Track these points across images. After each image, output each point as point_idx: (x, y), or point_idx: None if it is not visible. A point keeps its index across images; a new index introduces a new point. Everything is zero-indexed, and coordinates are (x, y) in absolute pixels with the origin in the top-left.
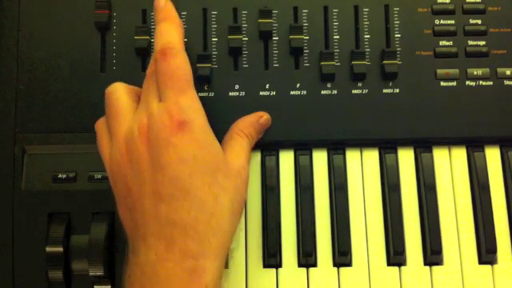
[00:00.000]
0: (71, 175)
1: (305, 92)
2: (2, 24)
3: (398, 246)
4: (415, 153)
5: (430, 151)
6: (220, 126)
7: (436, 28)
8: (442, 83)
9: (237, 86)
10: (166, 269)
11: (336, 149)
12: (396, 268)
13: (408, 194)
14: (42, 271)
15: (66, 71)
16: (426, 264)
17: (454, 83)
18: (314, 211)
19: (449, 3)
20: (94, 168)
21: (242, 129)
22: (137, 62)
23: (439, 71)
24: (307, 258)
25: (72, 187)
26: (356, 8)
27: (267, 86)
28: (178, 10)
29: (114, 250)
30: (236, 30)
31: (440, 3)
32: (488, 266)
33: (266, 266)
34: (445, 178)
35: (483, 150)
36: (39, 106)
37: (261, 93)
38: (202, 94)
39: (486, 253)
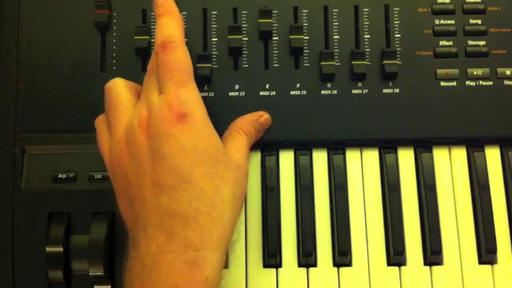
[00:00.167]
0: (71, 175)
1: (305, 92)
2: (2, 24)
3: (398, 246)
4: (415, 153)
5: (430, 151)
6: (220, 126)
7: (436, 28)
8: (442, 83)
9: (237, 86)
10: (167, 260)
11: (336, 149)
12: (396, 268)
13: (408, 194)
14: (42, 271)
15: (66, 71)
16: (425, 264)
17: (454, 83)
18: (313, 211)
19: (449, 3)
20: (94, 168)
21: (241, 127)
22: (137, 62)
23: (439, 71)
24: (307, 258)
25: (72, 187)
26: (356, 8)
27: (267, 86)
28: (178, 10)
29: (114, 250)
30: (236, 29)
31: (440, 3)
32: (488, 266)
33: (265, 266)
34: (445, 178)
35: (483, 150)
36: (39, 106)
37: (261, 93)
38: (202, 94)
39: (486, 253)
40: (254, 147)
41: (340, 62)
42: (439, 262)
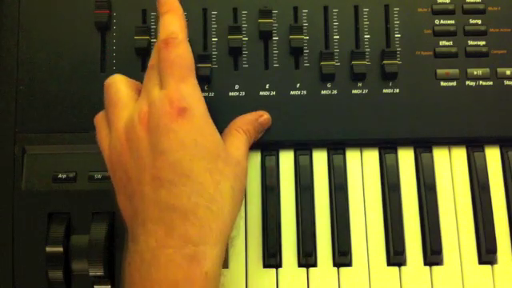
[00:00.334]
0: (71, 175)
1: (305, 92)
2: (2, 24)
3: (398, 246)
4: (415, 153)
5: (430, 151)
6: (220, 126)
7: (436, 28)
8: (442, 83)
9: (237, 86)
10: (166, 255)
11: (336, 149)
12: (396, 268)
13: (408, 194)
14: (42, 271)
15: (66, 71)
16: (425, 264)
17: (454, 83)
18: (313, 211)
19: (449, 3)
20: (94, 168)
21: (240, 126)
22: (137, 62)
23: (439, 71)
24: (307, 258)
25: (72, 187)
26: (356, 8)
27: (267, 86)
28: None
29: (114, 250)
30: (236, 29)
31: (440, 3)
32: (488, 266)
33: (265, 266)
34: (445, 178)
35: (483, 150)
36: (39, 106)
37: (261, 93)
38: (202, 95)
39: (486, 253)
40: (253, 147)
41: (340, 61)
42: (439, 262)
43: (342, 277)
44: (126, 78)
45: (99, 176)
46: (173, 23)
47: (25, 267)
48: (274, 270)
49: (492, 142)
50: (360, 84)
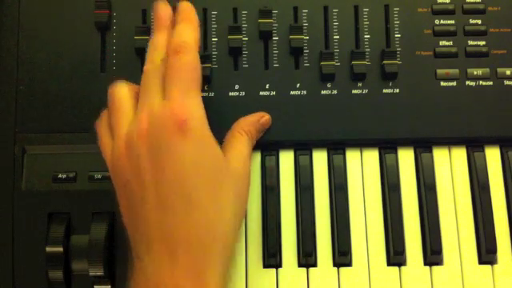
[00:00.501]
0: (71, 175)
1: (305, 92)
2: (2, 24)
3: (398, 246)
4: (415, 153)
5: (430, 151)
6: (220, 126)
7: (436, 28)
8: (442, 83)
9: (237, 86)
10: (173, 286)
11: (336, 149)
12: (396, 268)
13: (408, 194)
14: (42, 271)
15: (66, 71)
16: (425, 264)
17: (454, 83)
18: (314, 211)
19: (449, 3)
20: (94, 168)
21: (242, 127)
22: (137, 62)
23: (439, 71)
24: (307, 257)
25: (72, 187)
26: (356, 8)
27: (267, 86)
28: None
29: (114, 250)
30: (236, 29)
31: (440, 3)
32: (488, 266)
33: (266, 266)
34: (445, 178)
35: (483, 150)
36: (39, 106)
37: (261, 93)
38: (202, 94)
39: (486, 253)
40: (254, 147)
41: (340, 62)
42: (439, 262)
43: (342, 277)
44: (131, 85)
45: (99, 176)
46: (186, 33)
47: (25, 267)
48: (274, 270)
49: (492, 141)
50: (360, 84)
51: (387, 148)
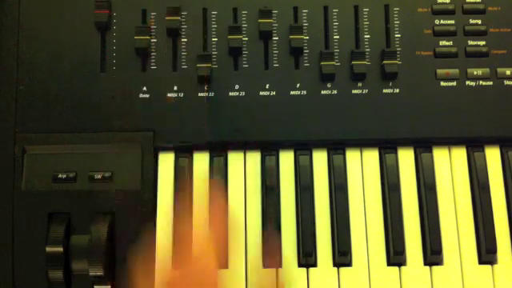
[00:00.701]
0: (71, 175)
1: (305, 92)
2: (2, 24)
3: (398, 246)
4: (415, 153)
5: (430, 151)
6: (220, 126)
7: (436, 28)
8: (442, 83)
9: (237, 86)
10: None
11: (336, 149)
12: (396, 268)
13: (408, 194)
14: (42, 271)
15: (66, 71)
16: (426, 264)
17: (454, 83)
18: (313, 211)
19: (449, 3)
20: (94, 168)
21: None
22: (137, 62)
23: (439, 71)
24: (307, 257)
25: (72, 187)
26: (356, 8)
27: (267, 86)
28: (179, 9)
29: (114, 250)
30: (236, 29)
31: (440, 3)
32: (488, 266)
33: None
34: (445, 178)
35: (483, 150)
36: (39, 106)
37: (261, 93)
38: (202, 94)
39: (486, 253)
40: (254, 147)
41: (340, 62)
42: (439, 262)
43: (342, 277)
44: None
45: (99, 176)
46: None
47: (25, 267)
48: (274, 270)
49: (492, 141)
50: (360, 84)
51: (387, 148)
